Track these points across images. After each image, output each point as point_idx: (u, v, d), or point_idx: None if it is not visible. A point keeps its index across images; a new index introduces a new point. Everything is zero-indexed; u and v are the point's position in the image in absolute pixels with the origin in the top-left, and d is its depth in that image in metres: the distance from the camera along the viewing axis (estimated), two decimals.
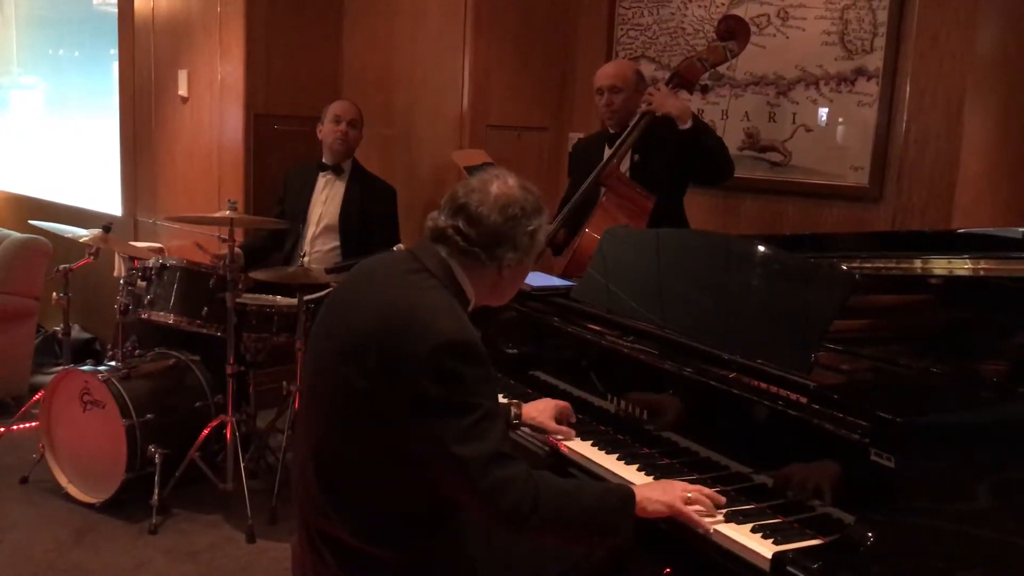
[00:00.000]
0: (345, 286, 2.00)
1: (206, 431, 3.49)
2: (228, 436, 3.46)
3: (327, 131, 4.16)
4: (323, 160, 4.22)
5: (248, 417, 3.76)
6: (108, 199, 5.51)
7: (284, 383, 3.71)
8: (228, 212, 3.40)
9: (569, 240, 3.70)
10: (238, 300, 3.44)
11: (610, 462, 2.10)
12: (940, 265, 2.69)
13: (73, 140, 6.16)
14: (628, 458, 2.10)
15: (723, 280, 2.24)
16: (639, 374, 2.25)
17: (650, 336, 2.27)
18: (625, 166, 3.60)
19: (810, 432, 1.77)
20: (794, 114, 3.85)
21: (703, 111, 4.04)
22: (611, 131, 3.66)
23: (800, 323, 1.99)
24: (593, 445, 2.19)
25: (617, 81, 3.57)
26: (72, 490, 3.57)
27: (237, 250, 3.96)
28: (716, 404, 2.01)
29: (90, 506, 3.51)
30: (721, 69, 3.81)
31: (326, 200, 4.19)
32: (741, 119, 4.01)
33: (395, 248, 2.93)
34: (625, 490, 1.85)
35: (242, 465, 3.43)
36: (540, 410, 2.27)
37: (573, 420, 2.31)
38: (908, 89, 3.54)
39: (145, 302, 3.50)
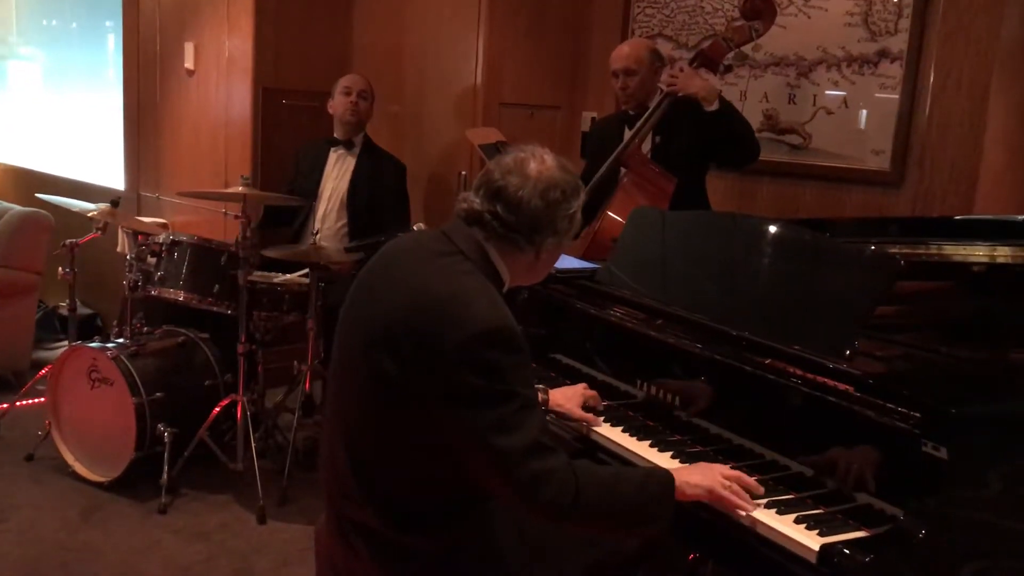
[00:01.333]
0: (373, 269, 1.92)
1: (216, 410, 3.44)
2: (239, 416, 3.40)
3: (337, 103, 4.09)
4: (334, 135, 4.16)
5: (257, 395, 3.71)
6: (110, 173, 5.43)
7: (295, 363, 3.66)
8: (241, 188, 3.33)
9: (588, 222, 3.65)
10: (249, 278, 3.38)
11: (642, 448, 2.06)
12: (963, 252, 2.65)
13: (72, 112, 6.06)
14: (661, 445, 2.06)
15: (758, 264, 2.19)
16: (669, 359, 2.21)
17: (682, 321, 2.23)
18: (646, 147, 3.54)
19: (854, 422, 1.73)
20: (815, 96, 3.80)
21: (721, 92, 3.97)
22: (630, 112, 3.60)
23: (841, 309, 1.94)
24: (624, 431, 2.14)
25: (631, 63, 3.50)
26: (80, 468, 3.52)
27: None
28: (753, 392, 1.97)
29: (98, 485, 3.46)
30: (744, 49, 3.74)
31: (337, 176, 4.13)
32: (760, 100, 3.95)
33: (415, 227, 2.87)
34: (664, 475, 1.81)
35: (253, 445, 3.38)
36: (568, 397, 2.22)
37: (600, 407, 2.26)
38: (932, 73, 3.48)
39: (155, 279, 3.43)
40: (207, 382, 3.60)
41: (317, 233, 3.58)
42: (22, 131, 6.52)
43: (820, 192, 3.83)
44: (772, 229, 2.20)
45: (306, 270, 3.60)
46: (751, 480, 1.82)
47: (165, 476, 3.33)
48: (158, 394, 3.40)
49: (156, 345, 3.60)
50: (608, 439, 2.13)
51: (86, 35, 6.00)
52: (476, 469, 1.72)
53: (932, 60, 3.48)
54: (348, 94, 4.06)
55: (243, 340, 3.38)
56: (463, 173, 4.26)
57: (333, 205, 4.09)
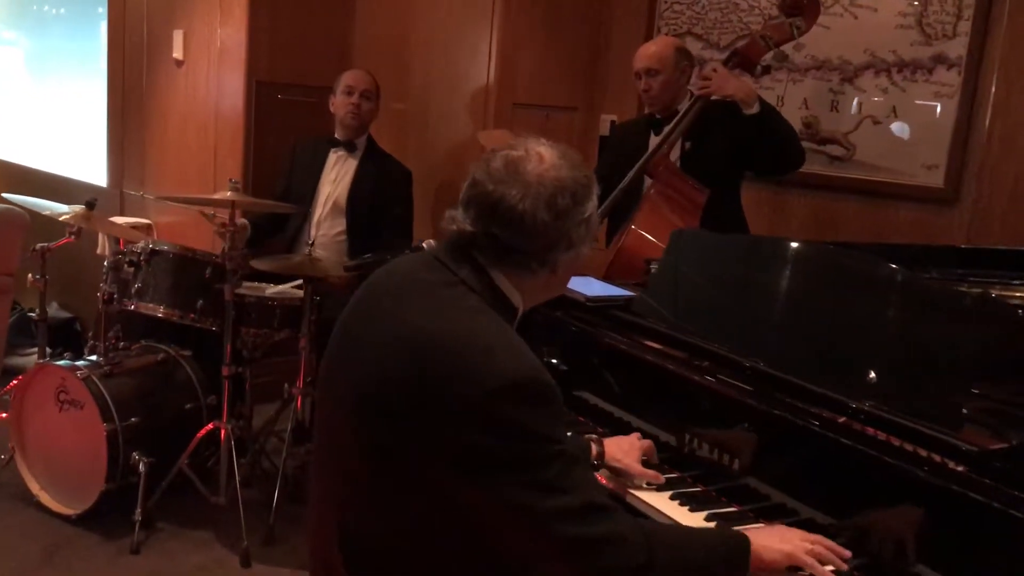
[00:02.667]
0: (363, 303, 1.59)
1: (197, 438, 3.11)
2: (223, 444, 3.07)
3: (339, 104, 3.76)
4: (335, 135, 3.83)
5: (243, 418, 3.38)
6: (93, 168, 5.07)
7: (285, 386, 3.33)
8: (229, 193, 2.99)
9: (610, 237, 3.34)
10: (237, 291, 3.05)
11: (696, 523, 1.74)
12: None
13: (56, 102, 5.70)
14: (720, 519, 1.74)
15: (833, 303, 1.87)
16: (721, 410, 1.88)
17: (743, 368, 1.90)
18: (674, 155, 3.22)
19: (960, 505, 1.41)
20: (860, 103, 3.47)
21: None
22: (656, 116, 3.28)
23: (942, 366, 1.62)
24: (673, 498, 1.82)
25: (653, 63, 3.18)
26: (45, 499, 3.18)
27: (242, 220, 3.59)
28: (827, 457, 1.64)
29: (65, 518, 3.12)
30: (783, 49, 3.41)
31: (336, 179, 3.79)
32: (799, 107, 3.63)
33: (423, 244, 2.54)
34: (739, 538, 1.53)
35: (237, 477, 3.05)
36: (625, 450, 1.89)
37: (656, 461, 1.95)
38: (995, 80, 3.16)
39: (132, 291, 3.09)
40: (188, 405, 3.27)
41: (312, 243, 3.24)
42: (1, 120, 6.16)
43: (863, 208, 3.51)
44: (851, 262, 1.88)
45: (299, 280, 3.28)
46: (835, 544, 1.54)
47: (139, 510, 3.00)
48: (133, 419, 3.06)
49: (132, 363, 3.26)
50: (654, 508, 1.81)
51: (76, 22, 5.64)
52: (515, 547, 1.41)
53: (995, 67, 3.15)
54: (350, 94, 3.73)
55: (228, 362, 3.05)
56: None
57: (329, 210, 3.76)
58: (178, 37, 4.40)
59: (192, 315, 3.08)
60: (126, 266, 3.10)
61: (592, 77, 4.24)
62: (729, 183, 3.23)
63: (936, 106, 3.28)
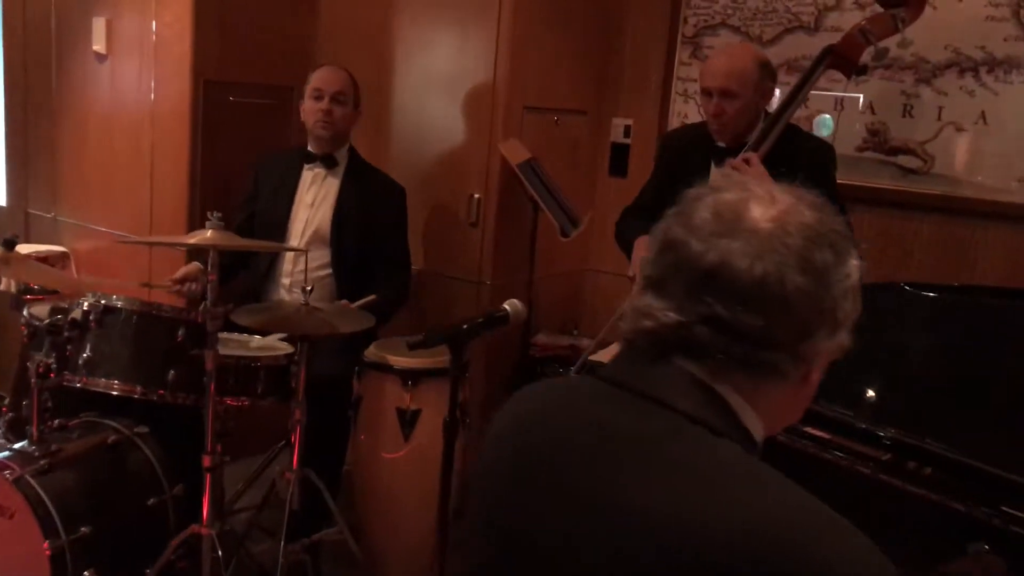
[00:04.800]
0: (543, 456, 1.03)
1: (171, 550, 2.40)
2: (204, 553, 2.38)
3: (307, 110, 3.08)
4: (308, 148, 3.14)
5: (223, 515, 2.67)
6: None
7: (277, 470, 2.65)
8: (209, 233, 2.29)
9: None
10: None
11: None
12: None
13: None
14: None
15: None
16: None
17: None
18: None
19: None
20: (940, 108, 3.00)
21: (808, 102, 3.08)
22: (719, 145, 2.70)
23: None
24: None
25: (732, 83, 2.57)
26: None
27: (195, 264, 2.90)
28: None
29: None
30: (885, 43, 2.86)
31: (314, 202, 3.11)
32: (863, 111, 3.13)
33: (507, 307, 1.90)
34: None
35: None
36: None
37: None
38: None
39: (80, 362, 2.36)
40: (151, 500, 2.54)
41: (311, 290, 2.55)
42: None
43: (940, 228, 3.04)
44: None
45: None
46: None
47: None
48: (83, 529, 2.33)
49: (74, 449, 2.51)
50: None
51: None
52: None
53: None
54: (319, 98, 3.04)
55: (210, 449, 2.35)
56: (476, 197, 3.30)
57: (309, 241, 3.07)
58: (99, 26, 3.61)
59: (161, 391, 2.37)
60: (67, 328, 2.36)
61: (603, 76, 3.66)
62: None
63: None
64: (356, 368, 2.83)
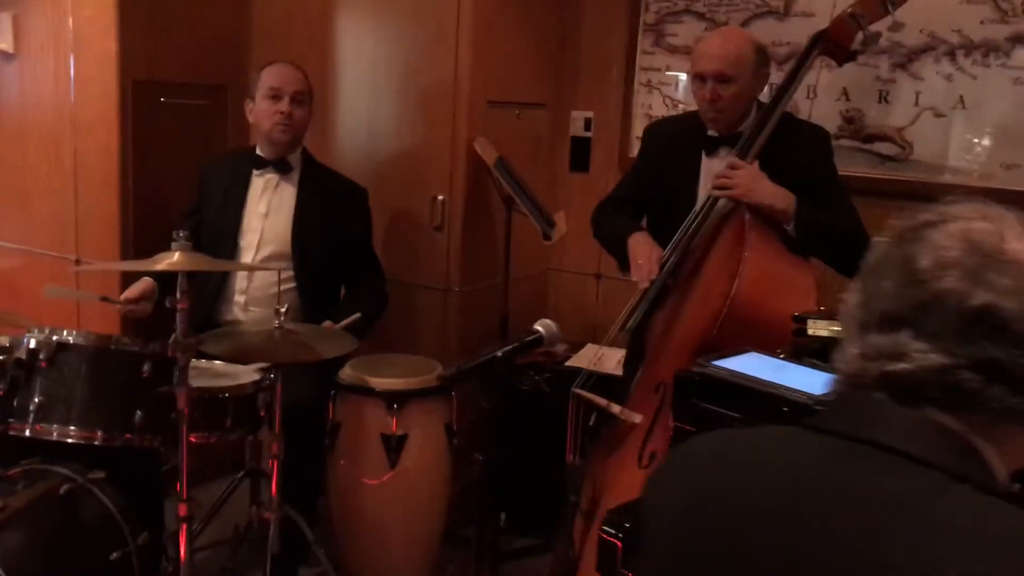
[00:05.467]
0: (752, 528, 0.89)
1: None
2: None
3: (261, 112, 2.81)
4: (257, 151, 2.88)
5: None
6: None
7: (253, 508, 2.41)
8: (177, 254, 2.03)
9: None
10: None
11: None
12: None
13: None
14: None
15: None
16: None
17: None
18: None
19: None
20: (917, 93, 2.94)
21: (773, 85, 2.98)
22: (710, 134, 2.56)
23: None
24: None
25: (729, 67, 2.41)
26: None
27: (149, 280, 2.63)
28: None
29: None
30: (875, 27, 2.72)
31: (268, 212, 2.85)
32: (837, 98, 3.05)
33: (538, 328, 1.71)
34: None
35: None
36: None
37: None
38: None
39: (30, 408, 2.06)
40: (114, 555, 2.26)
41: (285, 311, 2.31)
42: None
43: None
44: None
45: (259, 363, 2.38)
46: None
47: None
48: None
49: (21, 503, 2.20)
50: None
51: None
52: None
53: None
54: (277, 98, 2.78)
55: (186, 496, 2.10)
56: (440, 199, 3.10)
57: (267, 255, 2.82)
58: (5, 22, 3.25)
59: (128, 434, 2.10)
60: (11, 369, 2.06)
61: (560, 67, 3.49)
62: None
63: (1016, 94, 2.80)
64: (331, 391, 2.60)
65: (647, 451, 2.17)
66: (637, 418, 2.21)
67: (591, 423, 2.34)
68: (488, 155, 2.91)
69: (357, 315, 2.61)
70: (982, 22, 2.82)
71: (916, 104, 2.95)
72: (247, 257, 2.82)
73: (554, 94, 3.49)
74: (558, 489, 2.89)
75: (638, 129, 3.39)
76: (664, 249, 2.44)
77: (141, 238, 3.10)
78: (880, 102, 3.00)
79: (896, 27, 2.87)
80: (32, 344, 2.07)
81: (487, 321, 3.21)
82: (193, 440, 2.27)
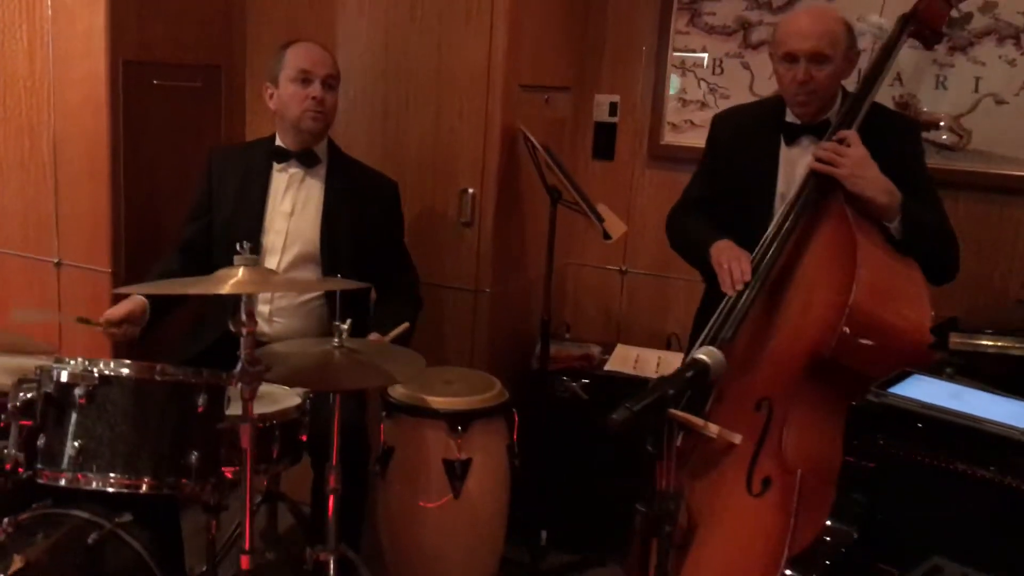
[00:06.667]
0: None
1: None
2: None
3: (288, 97, 2.49)
4: (278, 143, 2.57)
5: None
6: None
7: (308, 551, 2.13)
8: (242, 271, 1.73)
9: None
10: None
11: None
12: None
13: None
14: None
15: None
16: None
17: None
18: None
19: None
20: (977, 79, 2.81)
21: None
22: (790, 122, 2.36)
23: None
24: None
25: (824, 46, 2.22)
26: None
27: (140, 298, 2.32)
28: None
29: None
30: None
31: (293, 210, 2.55)
32: (890, 83, 2.90)
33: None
34: None
35: None
36: None
37: None
38: None
39: (66, 452, 1.74)
40: None
41: (346, 324, 2.03)
42: None
43: (976, 207, 2.87)
44: None
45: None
46: None
47: None
48: None
49: (44, 554, 1.91)
50: None
51: None
52: None
53: None
54: (307, 81, 2.47)
55: (249, 547, 1.82)
56: (471, 192, 2.84)
57: (294, 258, 2.52)
58: None
59: (184, 479, 1.80)
60: (41, 408, 1.75)
61: (584, 48, 3.26)
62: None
63: None
64: (382, 412, 2.34)
65: (757, 476, 1.98)
66: (737, 439, 2.02)
67: (678, 443, 2.14)
68: (537, 141, 2.67)
69: (406, 324, 2.35)
70: None
71: (976, 91, 2.81)
72: (271, 261, 2.51)
73: (577, 76, 3.26)
74: (608, 506, 2.71)
75: (672, 115, 3.20)
76: (752, 252, 2.23)
77: (132, 236, 2.79)
78: (937, 87, 2.86)
79: (987, 7, 2.71)
80: (64, 377, 1.75)
81: (517, 324, 2.99)
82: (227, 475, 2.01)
